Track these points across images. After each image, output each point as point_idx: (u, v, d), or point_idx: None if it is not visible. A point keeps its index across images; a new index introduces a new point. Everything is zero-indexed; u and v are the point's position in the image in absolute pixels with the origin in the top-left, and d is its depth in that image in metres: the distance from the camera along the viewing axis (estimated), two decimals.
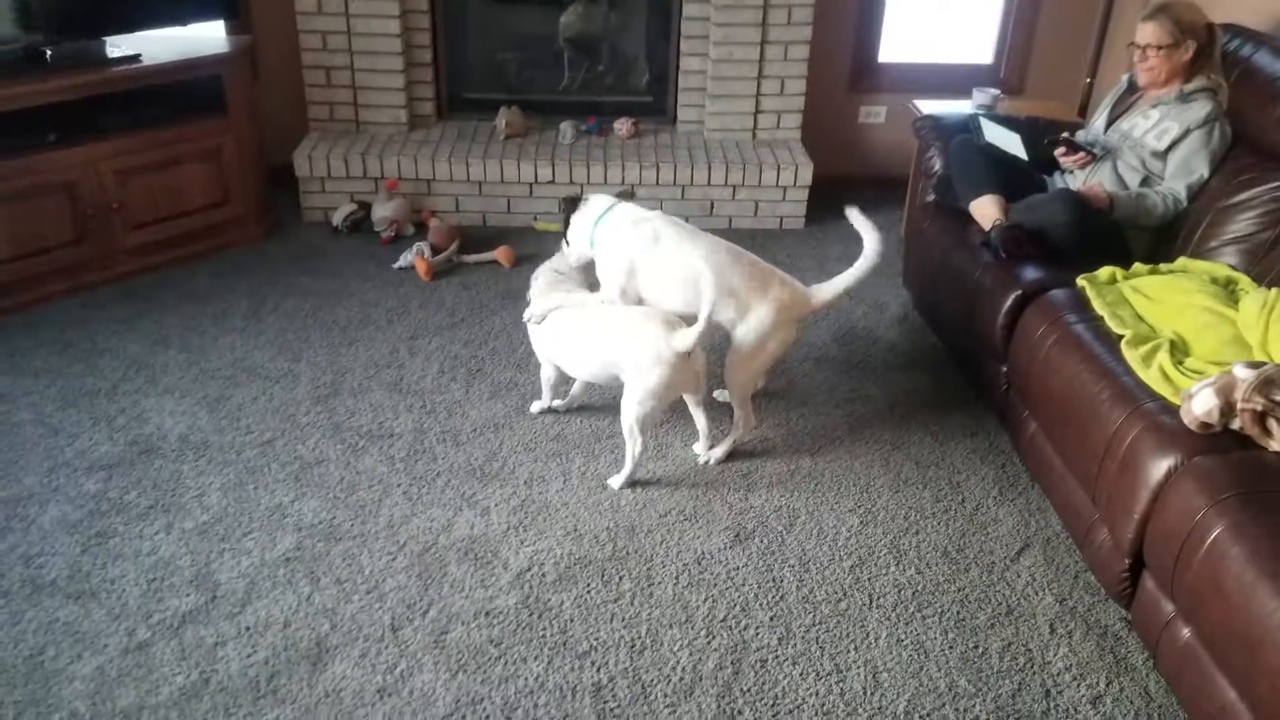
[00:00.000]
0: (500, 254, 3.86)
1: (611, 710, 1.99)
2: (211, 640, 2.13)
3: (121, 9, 3.59)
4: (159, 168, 3.59)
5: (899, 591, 2.33)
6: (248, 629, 2.16)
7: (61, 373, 3.07)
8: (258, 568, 2.33)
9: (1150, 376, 2.22)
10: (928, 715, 2.02)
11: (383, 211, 4.00)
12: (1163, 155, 2.91)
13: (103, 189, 3.46)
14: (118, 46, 3.59)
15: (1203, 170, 2.86)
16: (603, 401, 2.99)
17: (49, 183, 3.34)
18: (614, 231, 2.72)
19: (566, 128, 4.30)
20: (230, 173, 3.80)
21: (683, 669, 2.10)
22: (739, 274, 2.60)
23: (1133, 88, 3.12)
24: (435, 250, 3.81)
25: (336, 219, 4.03)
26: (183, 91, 3.67)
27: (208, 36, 3.91)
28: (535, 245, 3.99)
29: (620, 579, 2.33)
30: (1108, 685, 2.10)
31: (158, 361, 3.14)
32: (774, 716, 2.00)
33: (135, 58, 3.54)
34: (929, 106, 4.04)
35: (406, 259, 3.78)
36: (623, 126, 4.37)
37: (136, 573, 2.31)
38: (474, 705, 1.99)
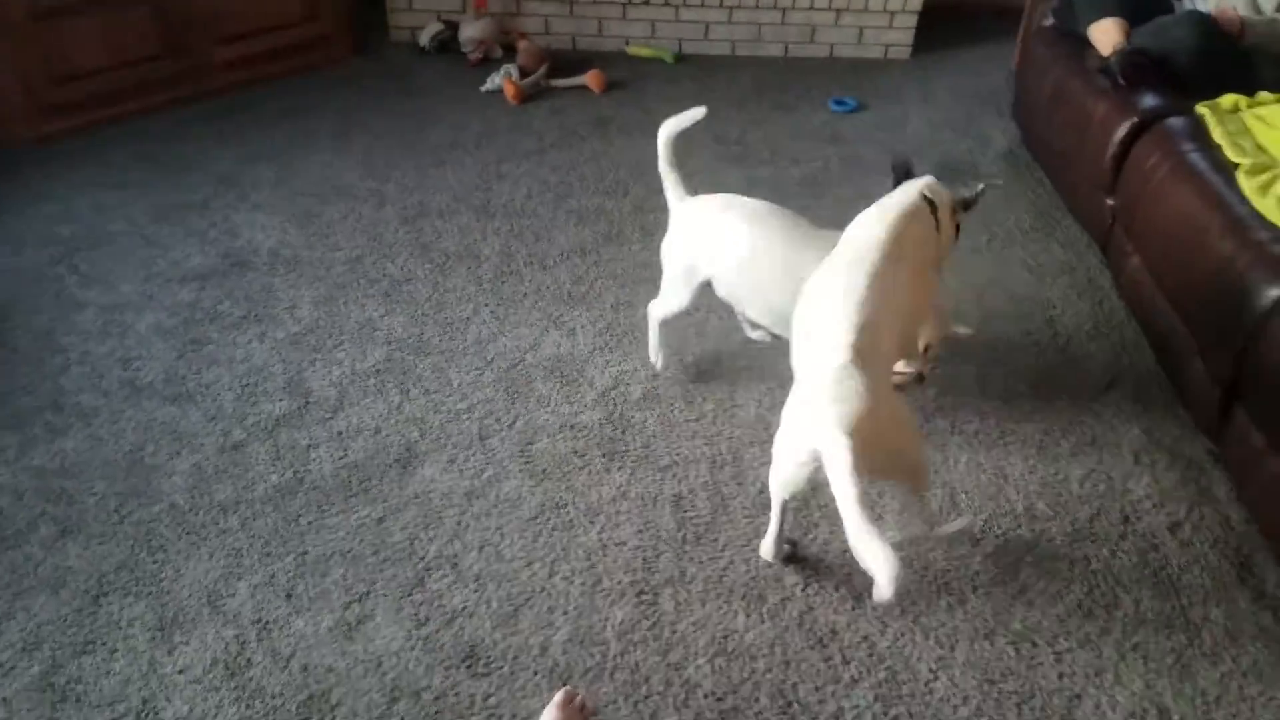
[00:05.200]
0: (590, 79, 3.76)
1: (690, 519, 2.05)
2: (304, 443, 2.22)
3: None
4: None
5: (982, 419, 2.31)
6: (339, 433, 2.25)
7: (154, 186, 3.13)
8: (349, 377, 2.41)
9: (1266, 206, 2.11)
10: (1003, 535, 2.03)
11: (470, 32, 3.90)
12: None
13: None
14: None
15: None
16: None
17: None
18: None
19: None
20: None
21: (761, 484, 2.13)
22: None
23: None
24: (524, 73, 3.73)
25: (423, 39, 3.95)
26: None
27: None
28: (626, 71, 3.87)
29: (703, 400, 2.35)
30: (1188, 514, 2.08)
31: (248, 178, 3.19)
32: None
33: None
34: None
35: (494, 81, 3.71)
36: None
37: (231, 378, 2.41)
38: (558, 510, 2.07)
